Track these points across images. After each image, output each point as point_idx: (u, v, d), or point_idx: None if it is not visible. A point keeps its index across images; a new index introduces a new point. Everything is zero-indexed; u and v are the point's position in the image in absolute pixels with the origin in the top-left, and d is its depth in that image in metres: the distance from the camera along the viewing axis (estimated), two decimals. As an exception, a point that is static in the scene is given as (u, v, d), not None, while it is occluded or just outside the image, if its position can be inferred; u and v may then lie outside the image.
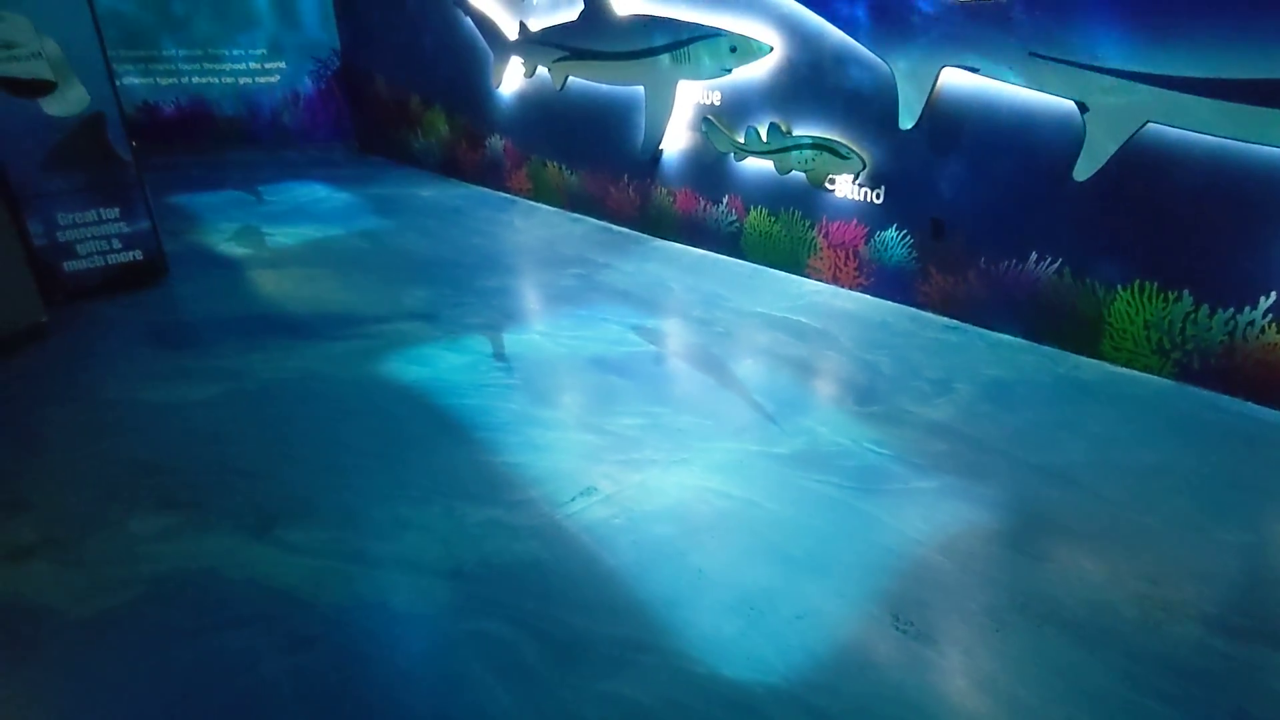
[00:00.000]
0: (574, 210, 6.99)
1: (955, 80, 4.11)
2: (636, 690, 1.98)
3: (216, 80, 8.95)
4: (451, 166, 8.44)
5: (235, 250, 5.90)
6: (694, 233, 5.88)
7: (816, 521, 2.68)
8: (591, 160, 6.63)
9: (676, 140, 5.83)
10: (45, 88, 4.43)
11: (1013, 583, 2.38)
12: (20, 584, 2.37)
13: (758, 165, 5.24)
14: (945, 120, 4.23)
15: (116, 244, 4.90)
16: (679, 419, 3.38)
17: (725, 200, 5.54)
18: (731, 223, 5.55)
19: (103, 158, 4.73)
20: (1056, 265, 4.00)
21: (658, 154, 5.96)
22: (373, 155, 9.51)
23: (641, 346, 4.13)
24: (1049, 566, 2.47)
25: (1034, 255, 4.06)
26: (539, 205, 7.30)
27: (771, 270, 5.31)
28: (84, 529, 2.62)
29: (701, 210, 5.75)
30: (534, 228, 6.61)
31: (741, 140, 5.25)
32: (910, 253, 4.55)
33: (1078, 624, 2.22)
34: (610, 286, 5.07)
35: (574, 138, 6.74)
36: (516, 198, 7.58)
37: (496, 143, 7.67)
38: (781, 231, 5.22)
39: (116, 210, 4.85)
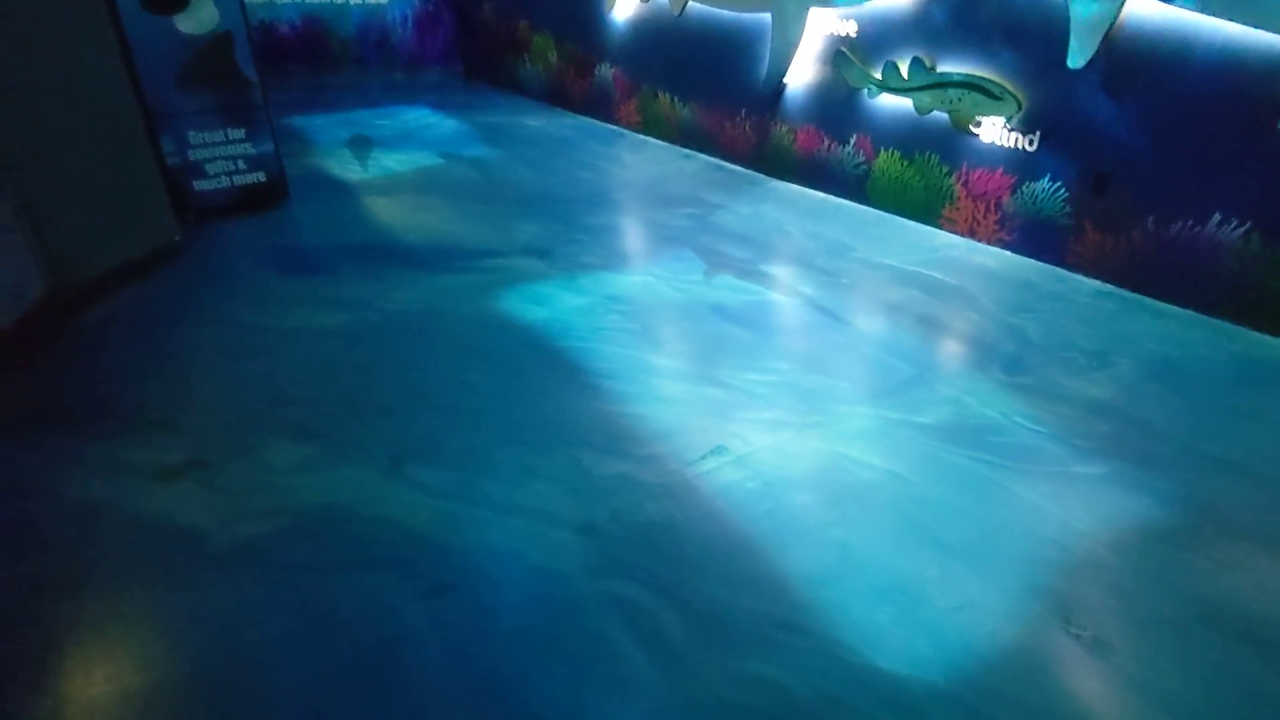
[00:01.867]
0: (685, 146, 6.71)
1: (1144, 10, 3.61)
2: (786, 675, 1.87)
3: (330, 0, 8.92)
4: (558, 95, 8.23)
5: (350, 175, 5.93)
6: (815, 174, 5.54)
7: (968, 503, 2.48)
8: (707, 93, 6.30)
9: (802, 74, 5.44)
10: (179, 4, 4.43)
11: (1196, 590, 2.15)
12: (171, 504, 2.43)
13: (894, 104, 4.84)
14: (1125, 58, 3.75)
15: (242, 165, 4.96)
16: (809, 378, 3.19)
17: (853, 141, 5.17)
18: (858, 165, 5.18)
19: (231, 78, 4.75)
20: (1243, 230, 3.54)
21: (781, 88, 5.59)
22: (478, 82, 9.37)
23: (763, 295, 3.92)
24: (1238, 576, 2.21)
25: (1217, 217, 3.61)
26: (648, 139, 7.04)
27: (900, 219, 4.96)
28: (225, 454, 2.68)
29: (825, 150, 5.39)
30: (643, 163, 6.38)
31: (878, 76, 4.84)
32: (1064, 207, 4.13)
33: (1277, 646, 1.98)
34: (726, 229, 4.84)
35: (689, 68, 6.41)
36: (625, 130, 7.34)
37: (606, 72, 7.39)
38: (915, 177, 4.84)
39: (243, 131, 4.89)
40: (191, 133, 4.73)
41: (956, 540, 2.33)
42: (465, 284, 4.05)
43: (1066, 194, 4.09)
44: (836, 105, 5.22)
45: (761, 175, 5.93)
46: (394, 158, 6.42)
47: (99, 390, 3.05)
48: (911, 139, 4.80)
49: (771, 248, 4.55)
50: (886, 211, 5.05)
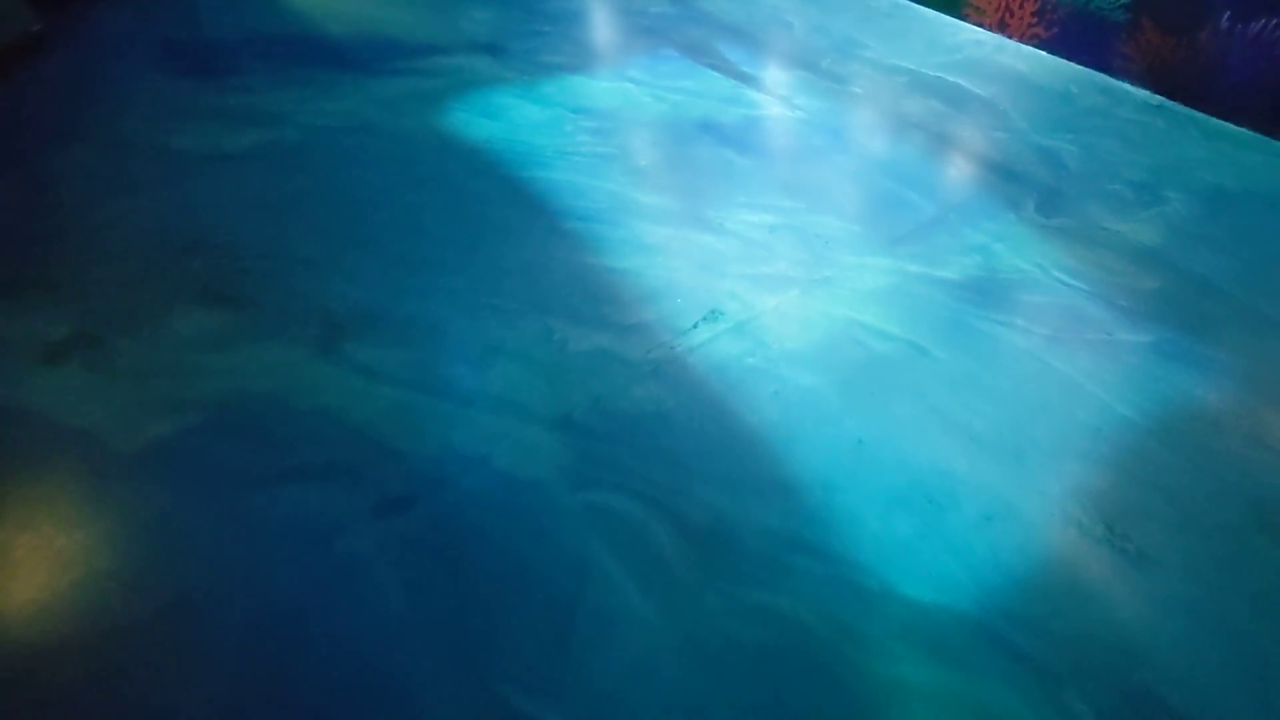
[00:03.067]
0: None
1: None
2: (799, 606, 1.64)
3: None
4: None
5: (252, -62, 4.80)
6: (821, -55, 4.61)
7: (1000, 381, 2.17)
8: None
9: None
10: None
11: (1254, 491, 1.92)
12: (58, 395, 2.02)
13: None
14: None
15: (107, -75, 3.92)
16: (816, 219, 2.73)
17: (872, -99, 4.24)
18: (876, -66, 4.29)
19: None
20: (1336, 32, 2.97)
21: None
22: None
23: (761, 109, 3.32)
24: (1296, 468, 1.98)
25: (1306, 15, 3.01)
26: (618, -109, 5.81)
27: (917, 7, 4.20)
28: (121, 325, 2.21)
29: (836, -87, 4.44)
30: (614, -76, 5.28)
31: None
32: (1123, -2, 3.46)
33: (1337, 555, 1.79)
34: (714, 19, 4.06)
35: None
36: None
37: None
38: (943, -48, 4.02)
39: (98, -124, 3.80)
40: (30, -123, 3.64)
41: (986, 429, 2.04)
42: (405, 90, 3.35)
43: (1129, -20, 3.41)
44: None
45: (756, -56, 4.94)
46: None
47: (-46, 241, 2.49)
48: (944, -100, 3.92)
49: (769, 45, 3.83)
50: (903, -4, 4.27)
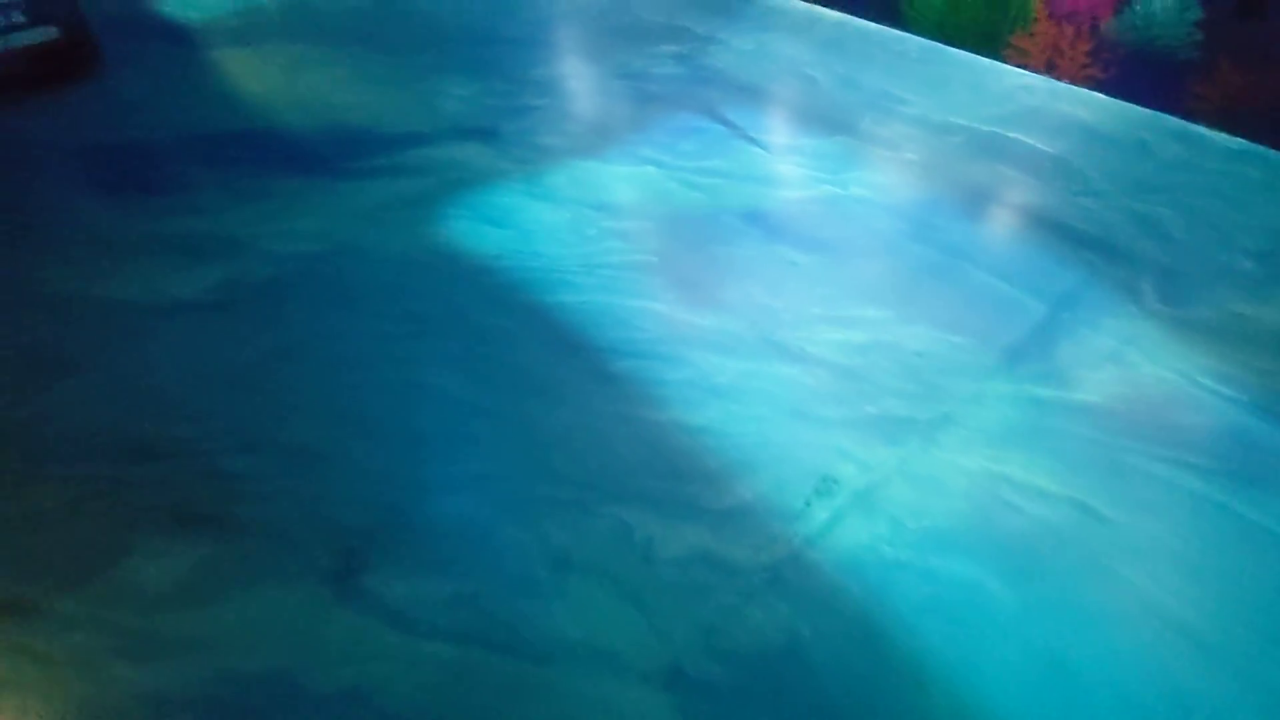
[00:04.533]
0: (639, -57, 5.12)
1: None
2: None
3: None
4: None
5: (186, 13, 4.25)
6: (825, -15, 4.23)
7: (1193, 547, 1.74)
8: None
9: None
10: None
11: None
12: (-25, 713, 1.45)
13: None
14: None
15: (17, 16, 3.34)
16: (910, 331, 2.28)
17: (883, -64, 3.85)
18: (889, -27, 3.91)
19: None
20: None
21: None
22: None
23: (809, 189, 2.88)
24: None
25: None
26: (587, -66, 5.38)
27: (950, 50, 3.81)
28: (61, 576, 1.65)
29: (841, -49, 4.06)
30: (590, -27, 4.83)
31: None
32: (1190, 34, 3.10)
33: None
34: (727, 76, 3.62)
35: None
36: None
37: None
38: (970, -11, 3.65)
39: (2, -39, 3.23)
40: (-85, -31, 3.06)
41: (1202, 622, 1.59)
42: (387, 196, 2.84)
43: (1199, 15, 3.05)
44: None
45: (750, -14, 4.54)
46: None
47: None
48: (965, -68, 3.56)
49: (796, 105, 3.40)
50: (929, 39, 3.88)
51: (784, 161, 3.00)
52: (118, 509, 1.79)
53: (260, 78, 3.62)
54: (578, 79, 3.67)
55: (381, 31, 4.06)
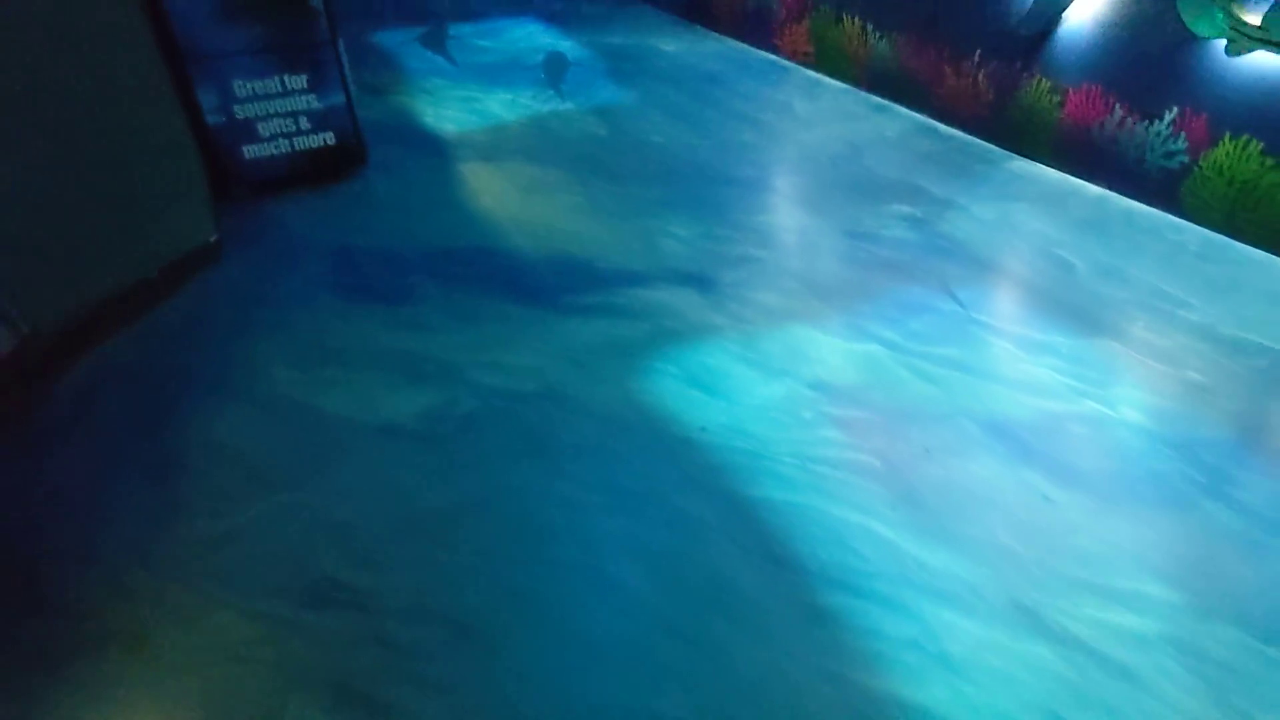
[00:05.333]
0: (877, 92, 5.03)
1: None
2: None
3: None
4: (700, 8, 6.55)
5: (443, 125, 4.62)
6: (1087, 159, 3.85)
7: None
8: (921, 21, 4.57)
9: (1089, 5, 3.68)
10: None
11: None
12: None
13: (1266, 63, 3.09)
14: None
15: (305, 123, 3.73)
16: (1209, 628, 1.80)
17: (1170, 115, 3.45)
18: (1173, 155, 3.48)
19: (287, 4, 3.46)
20: None
21: (1051, 24, 3.85)
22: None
23: (1069, 404, 2.47)
24: None
25: None
26: (823, 78, 5.37)
27: (1239, 246, 3.28)
28: (214, 741, 1.57)
29: (1114, 125, 3.68)
30: (823, 117, 4.77)
31: (1254, 21, 3.07)
32: None
33: None
34: (966, 250, 3.31)
35: (899, -16, 4.67)
36: (789, 63, 5.67)
37: (771, -19, 5.68)
38: None
39: (305, 77, 3.63)
40: (237, 81, 3.50)
41: None
42: (598, 338, 2.76)
43: None
44: (1148, 59, 3.47)
45: (998, 149, 4.25)
46: (498, 97, 5.04)
47: (26, 545, 1.98)
48: (1280, 122, 3.08)
49: (1050, 294, 3.02)
50: (1212, 230, 3.38)
51: (1033, 362, 2.63)
52: (282, 663, 1.71)
53: (496, 194, 3.78)
54: (798, 231, 3.51)
55: (613, 160, 4.17)
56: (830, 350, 2.71)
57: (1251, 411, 2.42)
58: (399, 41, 6.13)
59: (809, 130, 4.60)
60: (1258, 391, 2.50)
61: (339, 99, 3.73)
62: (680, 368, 2.63)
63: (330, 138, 3.80)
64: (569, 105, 4.94)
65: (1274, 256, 3.16)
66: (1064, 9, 3.75)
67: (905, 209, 3.65)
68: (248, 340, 2.75)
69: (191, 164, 3.09)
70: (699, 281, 3.11)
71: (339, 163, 3.88)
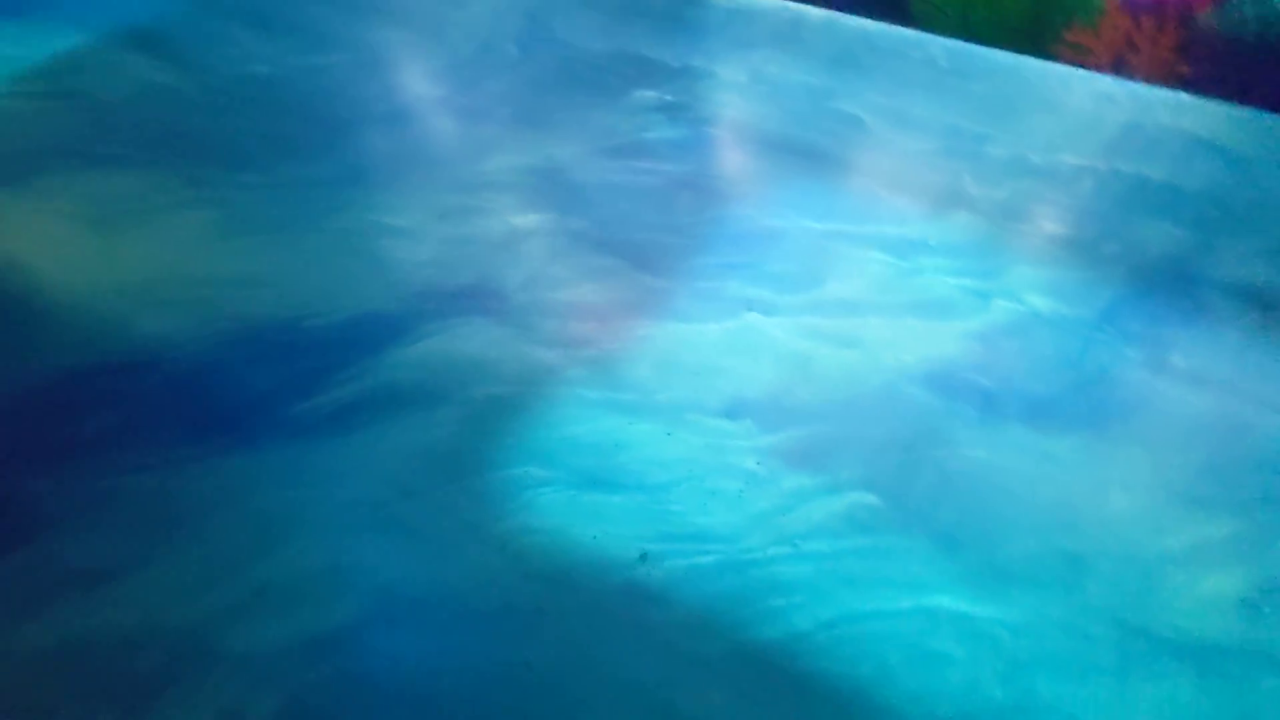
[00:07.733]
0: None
1: None
2: None
3: None
4: None
5: None
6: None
7: None
8: None
9: None
10: None
11: None
12: None
13: None
14: None
15: None
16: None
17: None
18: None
19: None
20: None
21: None
22: None
23: (977, 312, 2.12)
24: None
25: None
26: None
27: (985, 51, 3.12)
28: None
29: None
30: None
31: None
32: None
33: None
34: (745, 133, 2.73)
35: None
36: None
37: None
38: (1005, -25, 2.95)
39: None
40: None
41: None
42: (382, 466, 1.73)
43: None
44: None
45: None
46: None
47: None
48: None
49: (868, 168, 2.59)
50: (948, 37, 3.15)
51: (920, 271, 2.21)
52: None
53: (68, 252, 2.22)
54: (557, 174, 2.61)
55: (220, 127, 2.71)
56: (705, 346, 2.01)
57: (1128, 253, 2.29)
58: None
59: (460, 6, 3.46)
60: (1113, 225, 2.37)
61: None
62: (542, 461, 1.75)
63: None
64: (83, 38, 3.11)
65: (1020, 57, 3.03)
66: None
67: (649, 94, 2.89)
68: None
69: None
70: (478, 298, 2.13)
71: None
